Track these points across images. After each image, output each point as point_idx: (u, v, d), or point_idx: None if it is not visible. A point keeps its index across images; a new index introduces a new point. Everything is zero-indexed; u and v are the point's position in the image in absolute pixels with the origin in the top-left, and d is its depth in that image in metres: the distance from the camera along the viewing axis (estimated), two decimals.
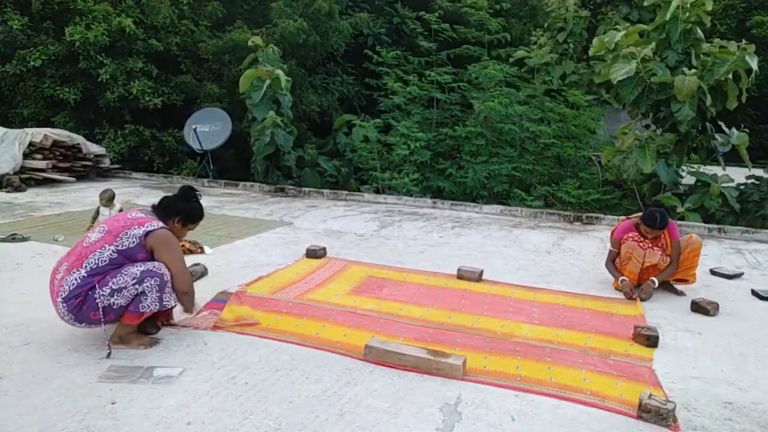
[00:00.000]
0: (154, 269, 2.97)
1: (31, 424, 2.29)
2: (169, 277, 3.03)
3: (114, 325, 3.06)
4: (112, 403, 2.47)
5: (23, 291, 3.90)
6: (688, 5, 8.19)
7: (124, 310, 2.94)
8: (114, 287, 2.88)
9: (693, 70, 7.79)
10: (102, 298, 2.87)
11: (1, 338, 3.12)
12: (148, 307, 2.96)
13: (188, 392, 2.60)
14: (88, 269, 2.90)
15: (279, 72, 9.45)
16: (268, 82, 9.41)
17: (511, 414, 2.55)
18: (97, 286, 2.88)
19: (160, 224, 3.11)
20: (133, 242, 3.00)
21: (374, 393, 2.68)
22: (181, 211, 3.22)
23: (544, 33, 13.85)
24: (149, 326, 3.25)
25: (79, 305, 2.88)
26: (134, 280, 2.90)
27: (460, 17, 13.49)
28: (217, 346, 3.13)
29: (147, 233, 3.03)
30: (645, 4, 8.87)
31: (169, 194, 3.32)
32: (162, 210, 3.21)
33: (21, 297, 3.78)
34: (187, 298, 3.23)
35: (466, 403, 2.62)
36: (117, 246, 2.97)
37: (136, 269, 2.93)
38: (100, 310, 2.87)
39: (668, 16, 8.21)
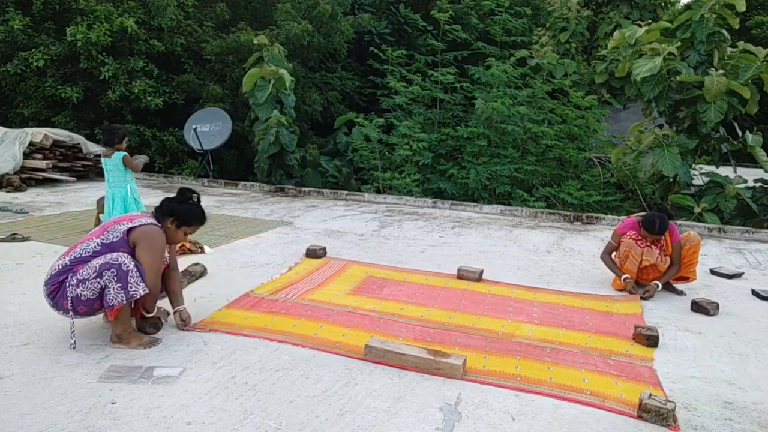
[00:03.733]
0: (111, 260, 2.92)
1: (32, 424, 2.29)
2: (129, 267, 2.92)
3: (84, 318, 3.08)
4: (112, 403, 2.47)
5: (23, 291, 3.90)
6: (718, 6, 8.12)
7: (93, 303, 2.92)
8: (79, 278, 2.91)
9: (720, 71, 7.71)
10: (71, 287, 2.91)
11: (1, 338, 3.12)
12: (115, 299, 2.89)
13: (188, 392, 2.60)
14: (72, 258, 2.98)
15: (283, 72, 9.45)
16: (272, 81, 9.41)
17: (511, 414, 2.55)
18: (70, 275, 2.93)
19: (151, 221, 3.12)
20: (117, 236, 3.02)
21: (374, 393, 2.68)
22: (175, 211, 3.20)
23: (545, 32, 13.87)
24: (148, 326, 3.25)
25: (55, 291, 2.95)
26: (95, 273, 2.90)
27: (461, 18, 13.51)
28: (217, 346, 3.13)
29: (132, 228, 3.04)
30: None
31: (170, 195, 3.33)
32: (159, 211, 3.23)
33: (21, 297, 3.78)
34: (148, 298, 3.10)
35: (466, 403, 2.62)
36: (102, 239, 3.02)
37: (97, 262, 2.92)
38: (69, 299, 2.90)
39: (697, 16, 8.16)
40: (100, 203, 5.85)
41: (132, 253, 3.03)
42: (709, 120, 7.66)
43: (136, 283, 2.93)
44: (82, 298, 2.89)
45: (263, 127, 9.44)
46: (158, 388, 2.62)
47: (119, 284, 2.88)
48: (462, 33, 12.65)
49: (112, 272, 2.88)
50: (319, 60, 12.93)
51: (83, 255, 2.98)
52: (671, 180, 8.23)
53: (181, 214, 3.21)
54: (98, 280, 2.88)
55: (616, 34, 8.76)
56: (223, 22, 12.07)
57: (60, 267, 2.97)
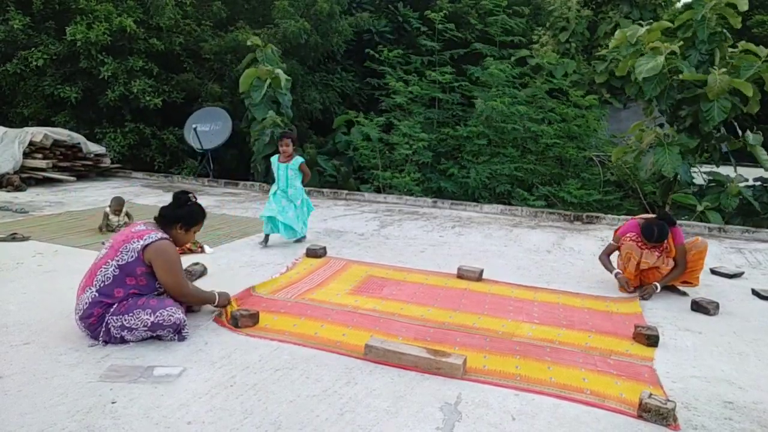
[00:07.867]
0: (164, 322, 3.03)
1: (32, 424, 2.29)
2: (181, 320, 3.10)
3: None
4: (113, 403, 2.47)
5: (23, 291, 3.90)
6: (720, 6, 8.07)
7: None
8: (126, 325, 3.00)
9: (723, 69, 7.69)
10: (115, 329, 3.00)
11: (1, 338, 3.11)
12: (167, 337, 3.12)
13: (188, 392, 2.60)
14: (97, 287, 3.03)
15: (279, 71, 9.48)
16: (268, 81, 9.43)
17: (512, 413, 2.55)
18: (110, 314, 2.99)
19: (159, 235, 3.16)
20: (132, 256, 3.06)
21: (374, 392, 2.68)
22: (181, 217, 3.28)
23: (546, 32, 13.86)
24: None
25: (94, 325, 3.02)
26: (146, 328, 3.02)
27: (461, 18, 13.50)
28: (217, 345, 3.13)
29: (145, 246, 3.07)
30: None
31: (167, 204, 3.36)
32: (163, 220, 3.27)
33: (21, 297, 3.78)
34: (192, 303, 3.37)
35: (466, 403, 2.62)
36: (118, 261, 3.05)
37: (147, 317, 3.00)
38: (114, 337, 3.02)
39: (699, 15, 8.15)
40: (114, 203, 5.86)
41: (148, 270, 3.09)
42: (712, 119, 7.63)
43: (186, 328, 3.18)
44: (128, 338, 3.04)
45: (259, 128, 9.50)
46: (158, 388, 2.62)
47: (175, 334, 3.12)
48: (458, 32, 12.64)
49: (168, 331, 3.08)
50: (317, 60, 12.92)
51: (106, 282, 3.02)
52: (672, 179, 8.22)
53: (187, 218, 3.31)
54: (149, 332, 3.04)
55: (617, 33, 8.76)
56: (221, 20, 12.06)
57: (90, 300, 3.01)
